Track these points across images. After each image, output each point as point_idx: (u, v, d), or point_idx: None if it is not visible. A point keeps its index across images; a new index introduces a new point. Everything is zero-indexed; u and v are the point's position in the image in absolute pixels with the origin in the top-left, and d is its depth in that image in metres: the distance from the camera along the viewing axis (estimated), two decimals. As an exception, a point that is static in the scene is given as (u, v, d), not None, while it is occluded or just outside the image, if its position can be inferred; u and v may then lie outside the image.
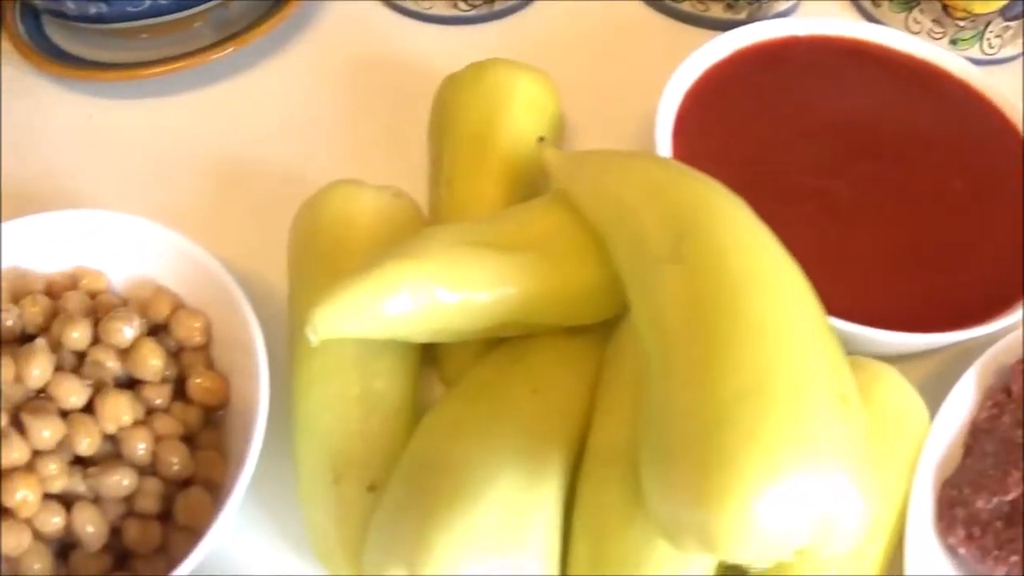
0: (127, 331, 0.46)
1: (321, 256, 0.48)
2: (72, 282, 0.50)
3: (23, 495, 0.42)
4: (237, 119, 0.60)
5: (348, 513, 0.44)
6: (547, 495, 0.41)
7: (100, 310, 0.48)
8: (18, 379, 0.44)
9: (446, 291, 0.43)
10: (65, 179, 0.58)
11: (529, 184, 0.52)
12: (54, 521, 0.43)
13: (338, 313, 0.42)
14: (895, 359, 0.47)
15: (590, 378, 0.46)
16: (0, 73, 0.62)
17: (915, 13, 0.64)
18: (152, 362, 0.46)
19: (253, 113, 0.60)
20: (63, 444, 0.44)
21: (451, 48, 0.62)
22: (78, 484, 0.44)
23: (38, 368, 0.44)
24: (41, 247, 0.50)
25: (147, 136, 0.59)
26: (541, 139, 0.47)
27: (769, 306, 0.38)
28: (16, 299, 0.49)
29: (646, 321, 0.40)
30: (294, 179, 0.56)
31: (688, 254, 0.40)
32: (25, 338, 0.48)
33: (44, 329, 0.47)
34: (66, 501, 0.44)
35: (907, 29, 0.62)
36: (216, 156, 0.59)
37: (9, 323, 0.47)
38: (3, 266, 0.50)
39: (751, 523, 0.34)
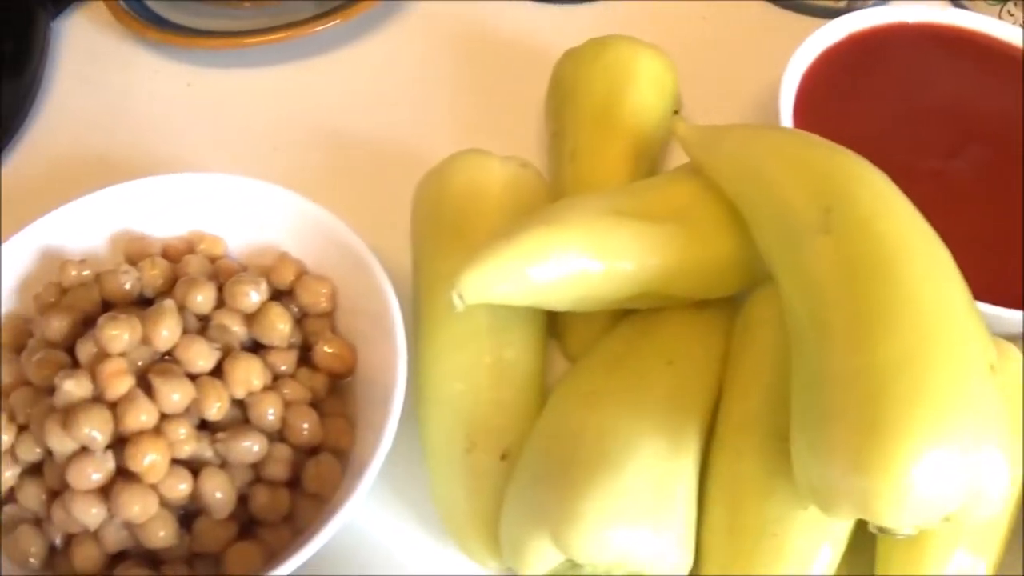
0: (253, 295, 0.45)
1: (450, 225, 0.47)
2: (189, 247, 0.48)
3: (151, 460, 0.41)
4: (338, 92, 0.59)
5: (482, 482, 0.43)
6: (686, 464, 0.41)
7: (221, 275, 0.46)
8: (145, 341, 0.43)
9: (591, 259, 0.42)
10: (164, 147, 0.56)
11: (652, 159, 0.51)
12: (181, 487, 0.42)
13: (485, 278, 0.41)
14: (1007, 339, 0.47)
15: (719, 351, 0.45)
16: (98, 40, 0.61)
17: (1009, 6, 0.63)
18: (280, 327, 0.44)
19: (354, 86, 0.59)
20: (190, 409, 0.43)
21: (554, 26, 0.61)
22: (205, 450, 0.43)
23: (167, 329, 0.43)
24: (155, 211, 0.49)
25: (246, 106, 0.58)
26: (676, 112, 0.46)
27: (922, 274, 0.38)
28: (133, 262, 0.47)
29: (797, 290, 0.40)
30: (399, 152, 0.56)
31: (838, 224, 0.39)
32: (143, 302, 0.46)
33: (163, 293, 0.46)
34: (192, 467, 0.43)
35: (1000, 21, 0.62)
36: (318, 128, 0.57)
37: (127, 286, 0.46)
38: (117, 228, 0.49)
39: (910, 488, 0.34)
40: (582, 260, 0.42)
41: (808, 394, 0.37)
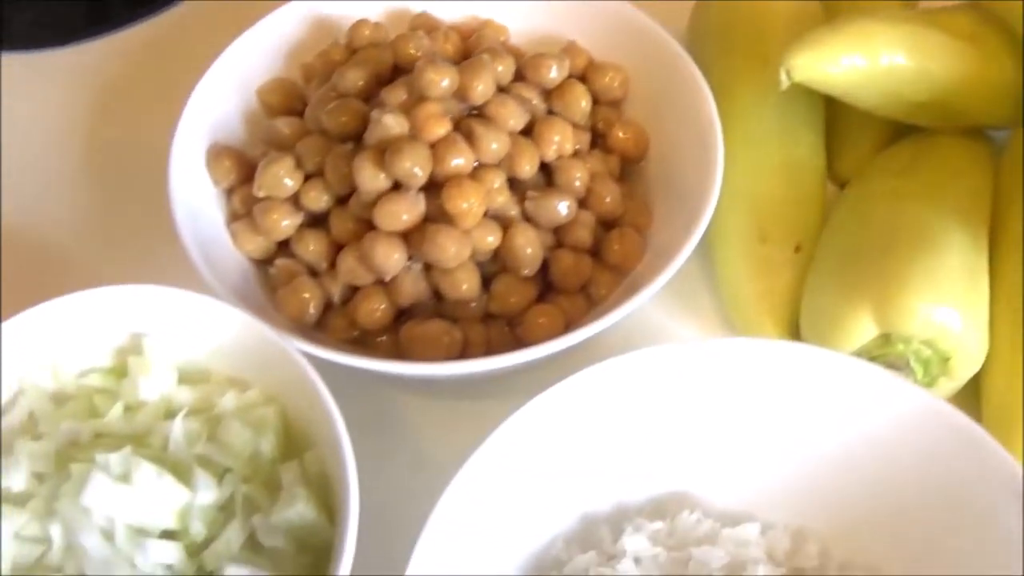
0: (554, 69, 0.43)
1: (743, 33, 0.47)
2: (473, 32, 0.47)
3: (468, 204, 0.39)
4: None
5: (775, 272, 0.43)
6: (984, 263, 0.42)
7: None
8: (459, 93, 0.41)
9: (905, 56, 0.43)
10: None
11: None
12: (490, 239, 0.40)
13: (815, 59, 0.41)
14: None
15: (990, 174, 0.46)
16: None
17: None
18: (581, 103, 0.43)
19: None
20: (501, 165, 0.41)
21: None
22: (513, 207, 0.41)
23: (483, 83, 0.41)
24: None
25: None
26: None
27: None
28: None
29: None
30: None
31: None
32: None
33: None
34: (501, 224, 0.41)
35: None
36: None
37: (420, 52, 0.44)
38: (391, 8, 0.48)
39: None
40: (898, 55, 0.42)
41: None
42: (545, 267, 0.41)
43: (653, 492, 0.39)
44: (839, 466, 0.38)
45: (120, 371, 0.41)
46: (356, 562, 0.34)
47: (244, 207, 0.43)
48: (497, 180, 0.40)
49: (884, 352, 0.40)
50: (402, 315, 0.41)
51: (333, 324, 0.41)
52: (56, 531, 0.35)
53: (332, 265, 0.41)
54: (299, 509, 0.36)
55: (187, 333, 0.40)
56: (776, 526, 0.38)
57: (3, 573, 0.36)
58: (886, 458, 0.37)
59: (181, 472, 0.36)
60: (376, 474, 0.37)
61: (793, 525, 0.38)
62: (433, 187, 0.40)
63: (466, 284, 0.40)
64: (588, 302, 0.41)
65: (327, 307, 0.42)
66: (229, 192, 0.44)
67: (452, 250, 0.39)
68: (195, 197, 0.43)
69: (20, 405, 0.39)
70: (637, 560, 0.37)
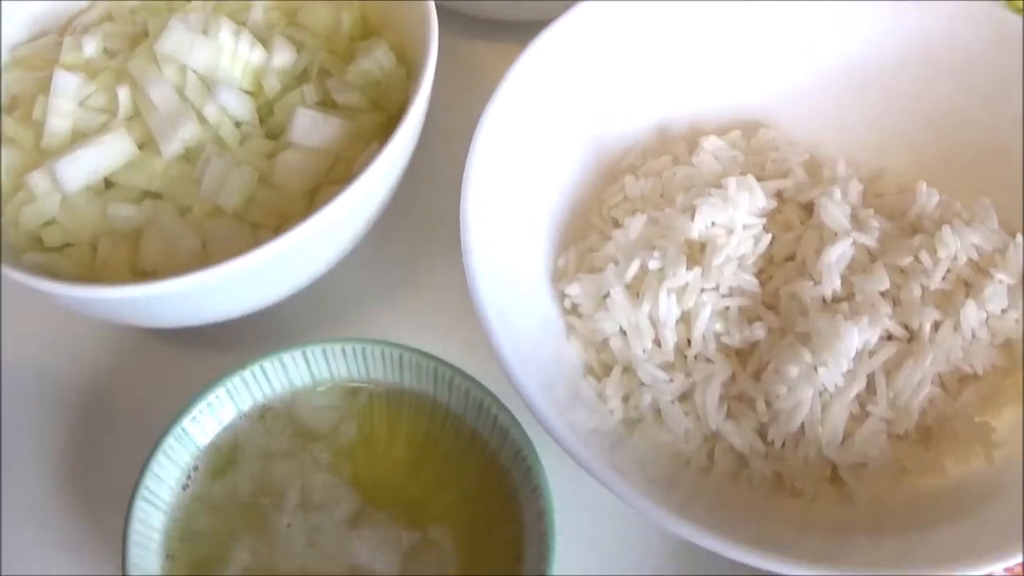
0: None
1: None
2: None
3: None
4: None
5: None
6: None
7: None
8: None
9: None
10: None
11: None
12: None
13: None
14: None
15: None
16: None
17: None
18: None
19: None
20: None
21: None
22: None
23: None
24: None
25: None
26: None
27: None
28: None
29: None
30: None
31: None
32: None
33: None
34: None
35: None
36: None
37: None
38: None
39: None
40: None
41: None
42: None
43: (728, 116, 0.39)
44: (918, 100, 0.38)
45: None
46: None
47: None
48: None
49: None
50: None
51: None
52: (124, 93, 0.35)
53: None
54: (378, 56, 0.36)
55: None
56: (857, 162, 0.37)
57: (65, 137, 0.35)
58: (972, 94, 0.37)
59: (260, 40, 0.36)
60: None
61: (874, 165, 0.37)
62: None
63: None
64: None
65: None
66: None
67: None
68: None
69: (99, 7, 0.39)
70: (716, 158, 0.36)
